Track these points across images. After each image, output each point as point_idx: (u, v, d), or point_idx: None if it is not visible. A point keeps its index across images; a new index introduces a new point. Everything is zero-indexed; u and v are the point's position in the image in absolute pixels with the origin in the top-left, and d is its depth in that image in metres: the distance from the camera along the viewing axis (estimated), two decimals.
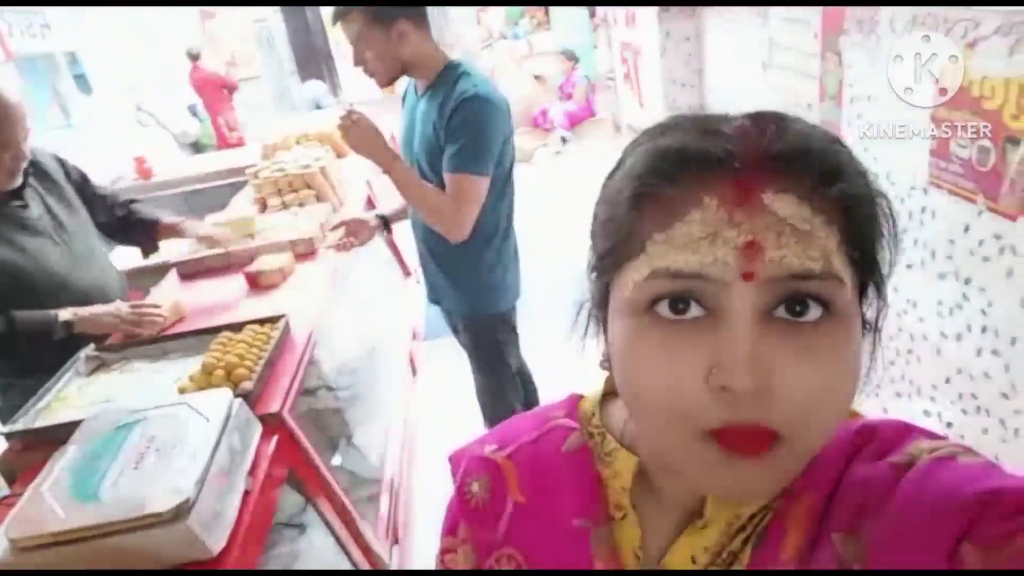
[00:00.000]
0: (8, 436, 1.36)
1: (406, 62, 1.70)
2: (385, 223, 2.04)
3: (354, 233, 1.99)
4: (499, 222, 1.83)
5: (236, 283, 2.00)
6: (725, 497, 0.46)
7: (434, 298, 2.03)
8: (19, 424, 1.37)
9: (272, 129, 3.89)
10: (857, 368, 0.41)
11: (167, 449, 1.13)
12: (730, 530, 0.46)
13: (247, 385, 1.37)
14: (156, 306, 1.76)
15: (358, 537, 1.54)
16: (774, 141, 0.39)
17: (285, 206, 2.46)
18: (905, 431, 0.46)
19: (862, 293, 0.43)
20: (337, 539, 1.49)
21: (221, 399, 1.26)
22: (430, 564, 0.60)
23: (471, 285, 1.88)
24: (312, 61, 10.18)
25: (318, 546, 1.57)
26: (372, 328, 2.47)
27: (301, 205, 2.44)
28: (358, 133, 1.67)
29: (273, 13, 9.46)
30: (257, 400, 1.38)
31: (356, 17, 1.64)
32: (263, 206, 2.49)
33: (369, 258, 2.52)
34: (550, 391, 2.32)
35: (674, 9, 2.51)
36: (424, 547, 2.07)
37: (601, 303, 0.47)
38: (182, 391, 1.40)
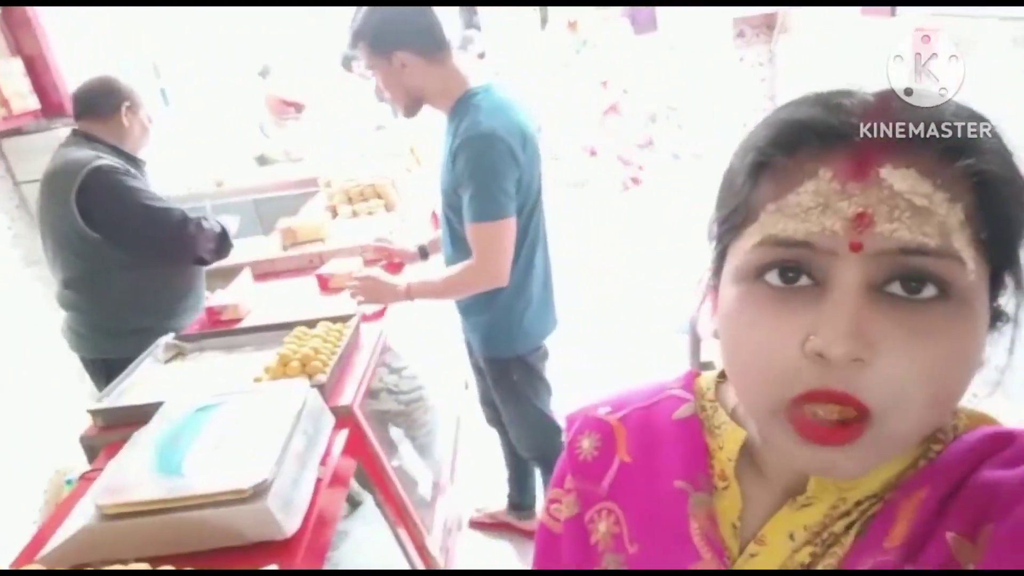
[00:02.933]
0: (93, 414, 1.41)
1: (417, 92, 1.63)
2: (423, 253, 2.03)
3: (388, 256, 2.01)
4: (516, 261, 1.67)
5: (306, 284, 2.05)
6: (814, 475, 0.45)
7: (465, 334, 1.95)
8: (103, 403, 1.42)
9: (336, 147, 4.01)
10: (973, 357, 0.40)
11: (246, 432, 1.16)
12: (834, 513, 0.45)
13: (321, 377, 1.39)
14: None
15: (416, 536, 1.54)
16: (899, 113, 0.39)
17: (355, 214, 2.52)
18: None
19: (996, 281, 0.41)
20: (396, 536, 1.49)
21: (297, 388, 1.29)
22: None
23: (485, 325, 1.79)
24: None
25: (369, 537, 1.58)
26: (429, 337, 2.49)
27: (371, 214, 2.49)
28: (366, 291, 1.70)
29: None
30: (330, 393, 1.40)
31: (361, 47, 1.61)
32: (334, 213, 2.56)
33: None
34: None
35: (749, 34, 2.51)
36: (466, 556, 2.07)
37: (716, 271, 0.48)
38: (257, 381, 1.43)
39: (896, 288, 0.38)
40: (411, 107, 1.68)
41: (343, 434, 1.35)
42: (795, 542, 0.46)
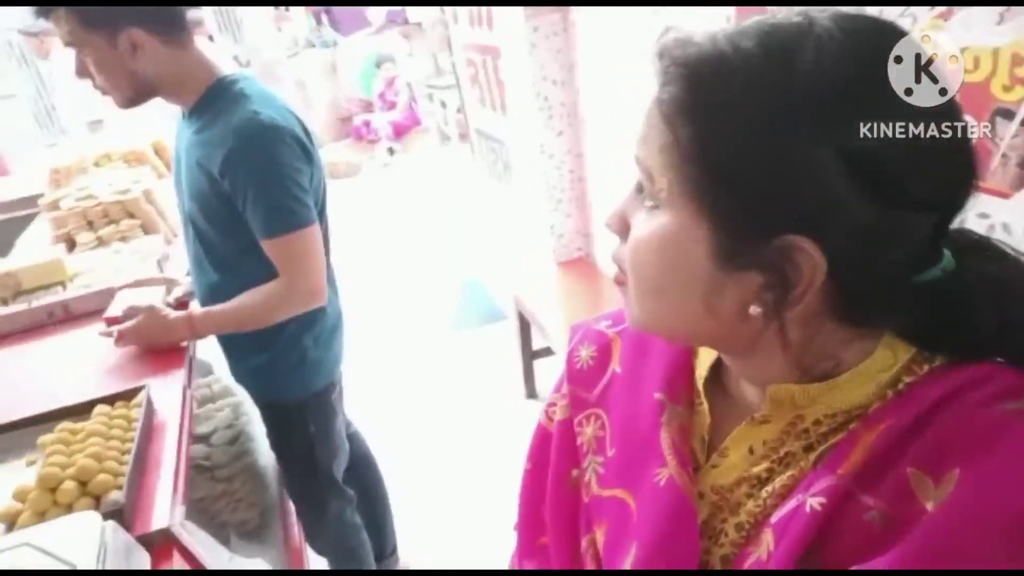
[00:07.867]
0: None
1: (149, 81, 1.26)
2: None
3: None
4: None
5: (54, 350, 1.51)
6: None
7: (238, 379, 1.55)
8: None
9: (46, 154, 3.19)
10: None
11: None
12: (792, 431, 0.47)
13: (116, 497, 0.97)
14: None
15: None
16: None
17: (101, 242, 1.94)
18: None
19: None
20: None
21: (85, 526, 0.86)
22: None
23: (266, 365, 1.43)
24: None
25: None
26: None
27: (124, 240, 1.94)
28: (137, 334, 1.34)
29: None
30: (133, 517, 0.98)
31: (66, 17, 1.18)
32: (70, 244, 1.96)
33: None
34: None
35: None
36: None
37: None
38: (10, 524, 0.96)
39: None
40: (137, 98, 1.29)
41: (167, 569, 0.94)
42: (754, 456, 0.49)
